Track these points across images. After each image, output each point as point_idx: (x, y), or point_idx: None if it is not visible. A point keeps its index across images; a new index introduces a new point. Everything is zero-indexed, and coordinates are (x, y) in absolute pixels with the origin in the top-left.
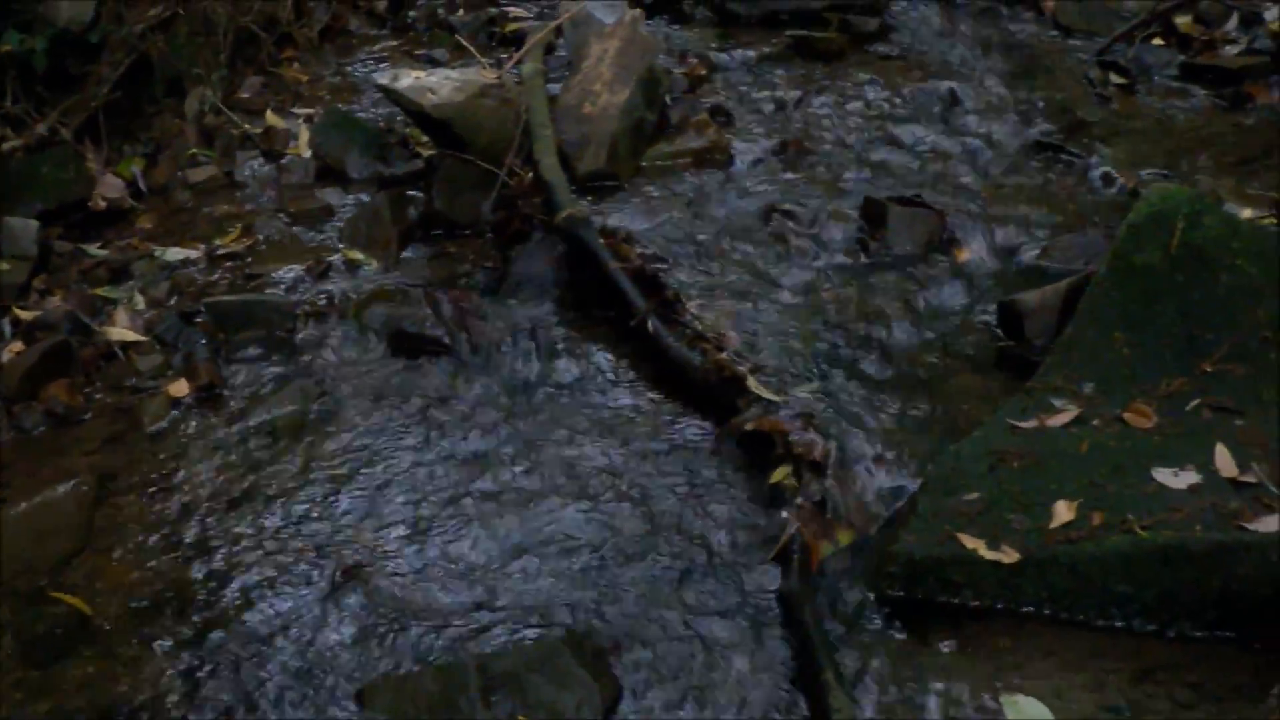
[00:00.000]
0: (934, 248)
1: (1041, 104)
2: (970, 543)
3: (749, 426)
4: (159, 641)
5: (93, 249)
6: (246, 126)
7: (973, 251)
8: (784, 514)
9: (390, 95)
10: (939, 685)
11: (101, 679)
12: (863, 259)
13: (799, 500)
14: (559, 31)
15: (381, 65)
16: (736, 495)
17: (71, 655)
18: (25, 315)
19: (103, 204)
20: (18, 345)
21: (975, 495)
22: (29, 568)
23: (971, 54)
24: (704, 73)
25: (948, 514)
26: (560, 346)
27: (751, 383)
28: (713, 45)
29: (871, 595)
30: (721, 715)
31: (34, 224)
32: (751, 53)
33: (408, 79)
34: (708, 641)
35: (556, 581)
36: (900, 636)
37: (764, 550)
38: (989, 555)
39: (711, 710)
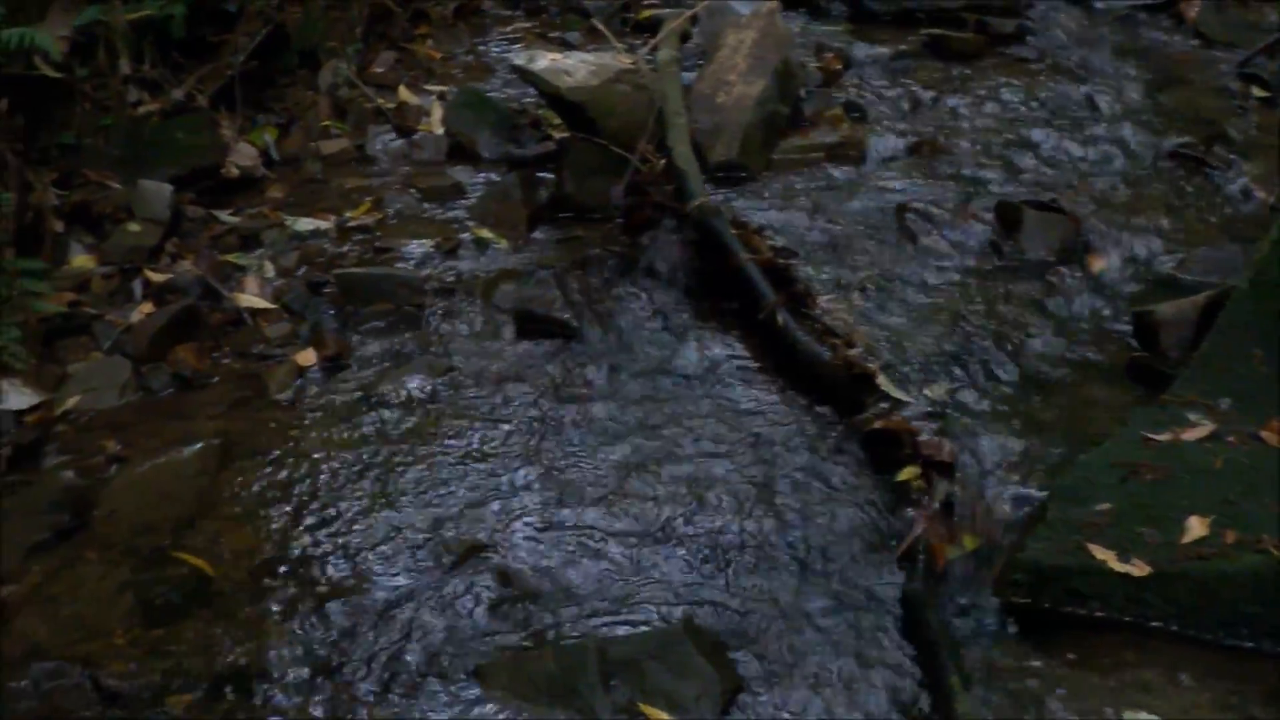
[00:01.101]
0: (1068, 254)
1: (1180, 114)
2: (1099, 554)
3: (877, 425)
4: (277, 608)
5: (224, 215)
6: (379, 101)
7: (1107, 259)
8: (910, 515)
9: (525, 76)
10: (1060, 696)
11: (219, 641)
12: (995, 262)
13: (925, 502)
14: (694, 20)
15: (514, 46)
16: (861, 493)
17: (190, 616)
18: (156, 278)
19: (235, 172)
20: (148, 307)
21: (1106, 506)
22: (151, 528)
23: (1110, 60)
24: (839, 67)
25: (1077, 523)
26: (687, 335)
27: (881, 381)
28: (848, 40)
29: (995, 601)
30: (840, 714)
31: (167, 188)
32: (887, 50)
33: (543, 61)
34: (829, 638)
35: (678, 570)
36: (1023, 644)
37: (888, 550)
38: (1118, 567)
39: (830, 708)
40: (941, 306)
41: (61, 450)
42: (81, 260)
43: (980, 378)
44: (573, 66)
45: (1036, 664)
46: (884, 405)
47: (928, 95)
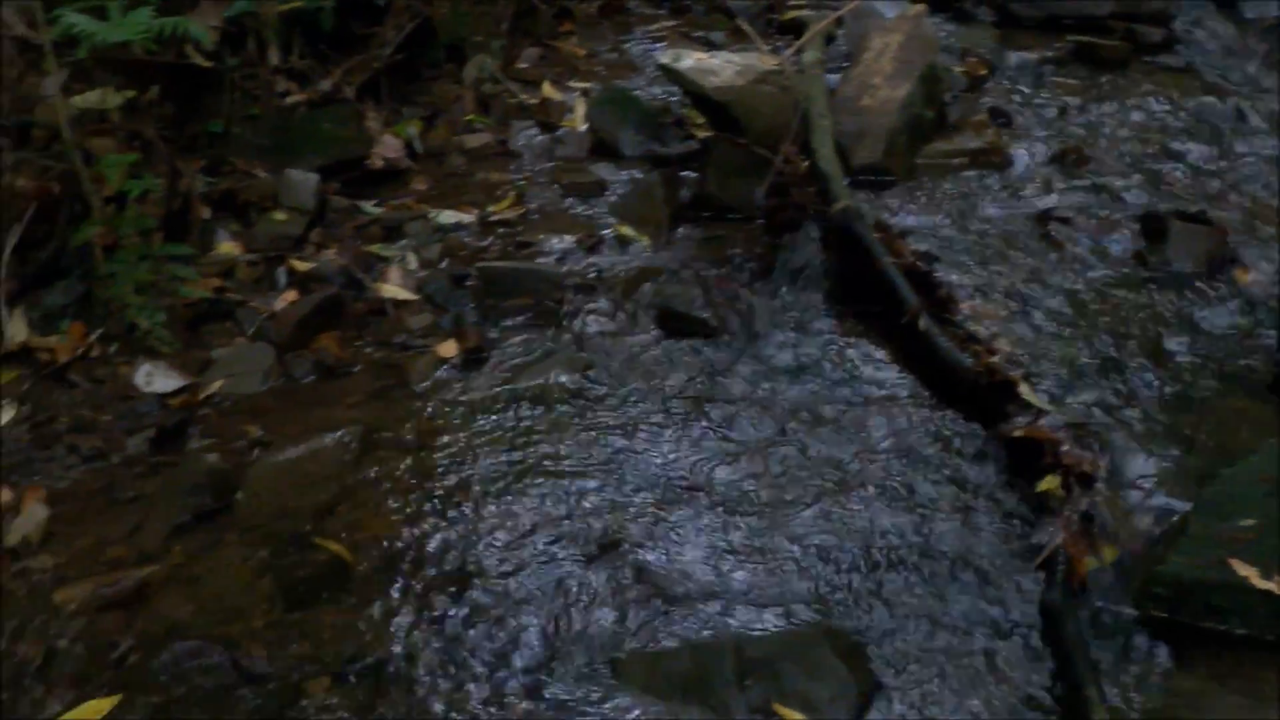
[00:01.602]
0: (1215, 266)
1: None
2: (1242, 569)
3: (1018, 433)
4: (414, 596)
5: (368, 206)
6: (523, 96)
7: (1256, 273)
8: (1049, 524)
9: (671, 75)
10: (1196, 712)
11: (355, 628)
12: (1140, 272)
13: (1066, 512)
14: (840, 22)
15: (658, 44)
16: (1000, 501)
17: (328, 602)
18: (300, 266)
19: (380, 163)
20: (291, 294)
21: (1250, 521)
22: (291, 513)
23: (1260, 71)
24: (984, 73)
25: (1219, 538)
26: (827, 338)
27: (1023, 389)
28: (993, 45)
29: (1134, 614)
30: None
31: (314, 178)
32: (1032, 55)
33: (689, 60)
34: (965, 645)
35: (814, 571)
36: (1160, 658)
37: (1026, 559)
38: (1260, 584)
39: (965, 715)
40: (1085, 316)
41: (205, 434)
42: (227, 247)
43: (1123, 388)
44: (718, 66)
45: (1174, 678)
46: (1025, 414)
47: (1073, 102)
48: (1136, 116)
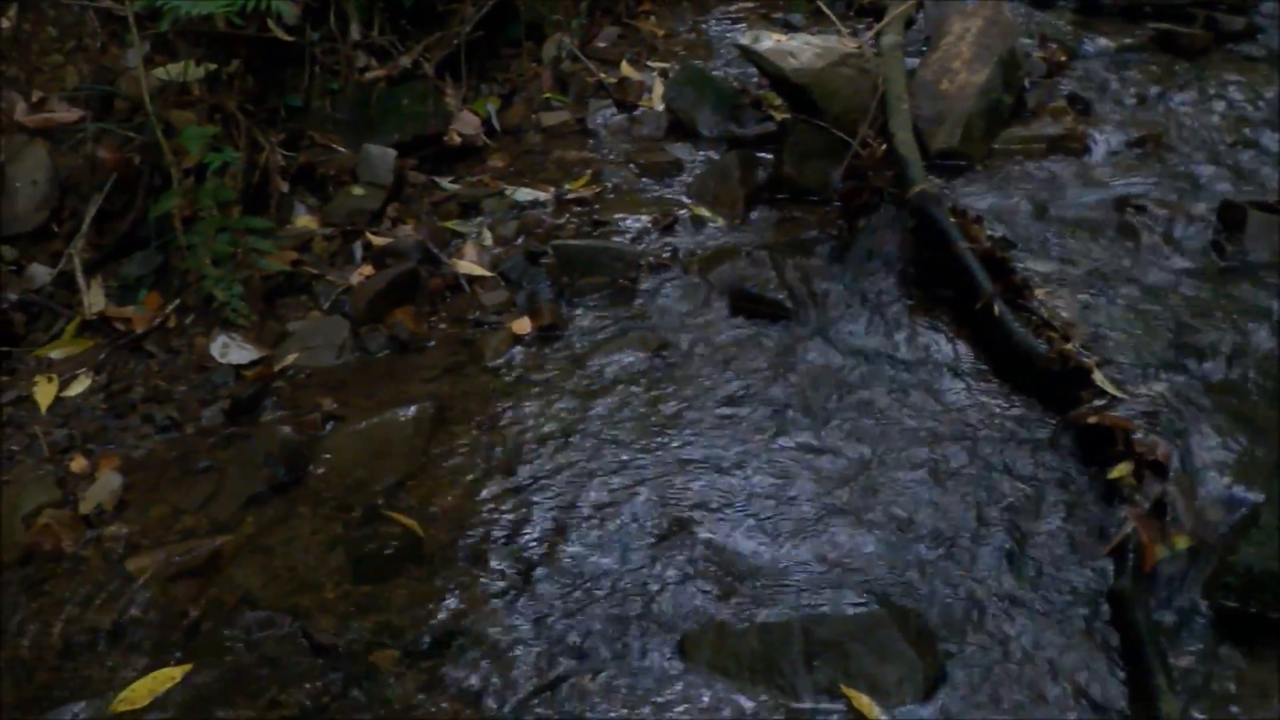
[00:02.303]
0: None
1: None
2: None
3: (1091, 420)
4: (485, 571)
5: (445, 182)
6: (601, 75)
7: None
8: (1120, 512)
9: (749, 56)
10: (1266, 703)
11: (426, 601)
12: (1217, 262)
13: (1137, 500)
14: (920, 5)
15: (737, 25)
16: (1071, 488)
17: (400, 575)
18: (377, 241)
19: (457, 139)
20: (367, 269)
21: None
22: (364, 486)
23: None
24: (1063, 59)
25: None
26: (901, 321)
27: (1097, 376)
28: (1073, 31)
29: (1204, 604)
30: (1043, 707)
31: (391, 153)
32: (1112, 42)
33: (768, 42)
34: (1034, 631)
35: (884, 554)
36: (1231, 649)
37: (1096, 546)
38: None
39: (1033, 701)
40: (1160, 305)
41: (279, 406)
42: (305, 221)
43: (1198, 378)
44: (797, 48)
45: (1244, 669)
46: (1099, 401)
47: (1153, 90)
48: (1216, 105)
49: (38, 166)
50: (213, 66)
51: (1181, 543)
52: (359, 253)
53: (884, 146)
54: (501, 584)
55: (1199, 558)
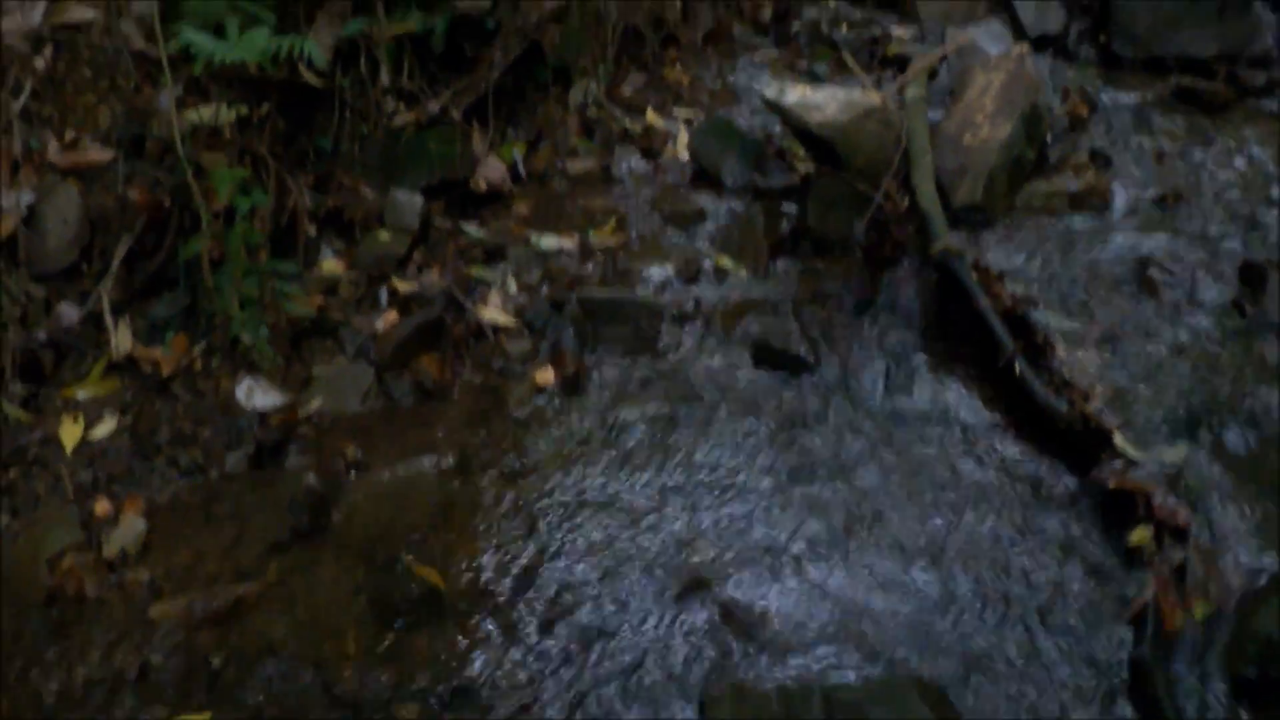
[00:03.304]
0: None
1: None
2: None
3: (1112, 483)
4: (505, 625)
5: (470, 228)
6: (627, 123)
7: None
8: (1141, 577)
9: (774, 108)
10: None
11: (446, 654)
12: (1238, 322)
13: (1158, 565)
14: (944, 58)
15: (762, 74)
16: (1091, 551)
17: (420, 626)
18: (403, 287)
19: (483, 185)
20: (392, 315)
21: None
22: (387, 535)
23: None
24: (1085, 113)
25: None
26: (922, 377)
27: (1118, 438)
28: (1095, 85)
29: (1224, 671)
30: None
31: (419, 199)
32: (1134, 97)
33: (793, 94)
34: (1054, 697)
35: (904, 616)
36: (1251, 716)
37: (1116, 611)
38: None
39: None
40: (1181, 365)
41: (303, 452)
42: (331, 265)
43: (1219, 441)
44: (822, 101)
45: None
46: (1119, 463)
47: (1174, 146)
48: (1238, 161)
49: (69, 206)
50: (244, 110)
51: (1201, 609)
52: (385, 298)
53: (907, 200)
54: (521, 637)
55: (1219, 624)
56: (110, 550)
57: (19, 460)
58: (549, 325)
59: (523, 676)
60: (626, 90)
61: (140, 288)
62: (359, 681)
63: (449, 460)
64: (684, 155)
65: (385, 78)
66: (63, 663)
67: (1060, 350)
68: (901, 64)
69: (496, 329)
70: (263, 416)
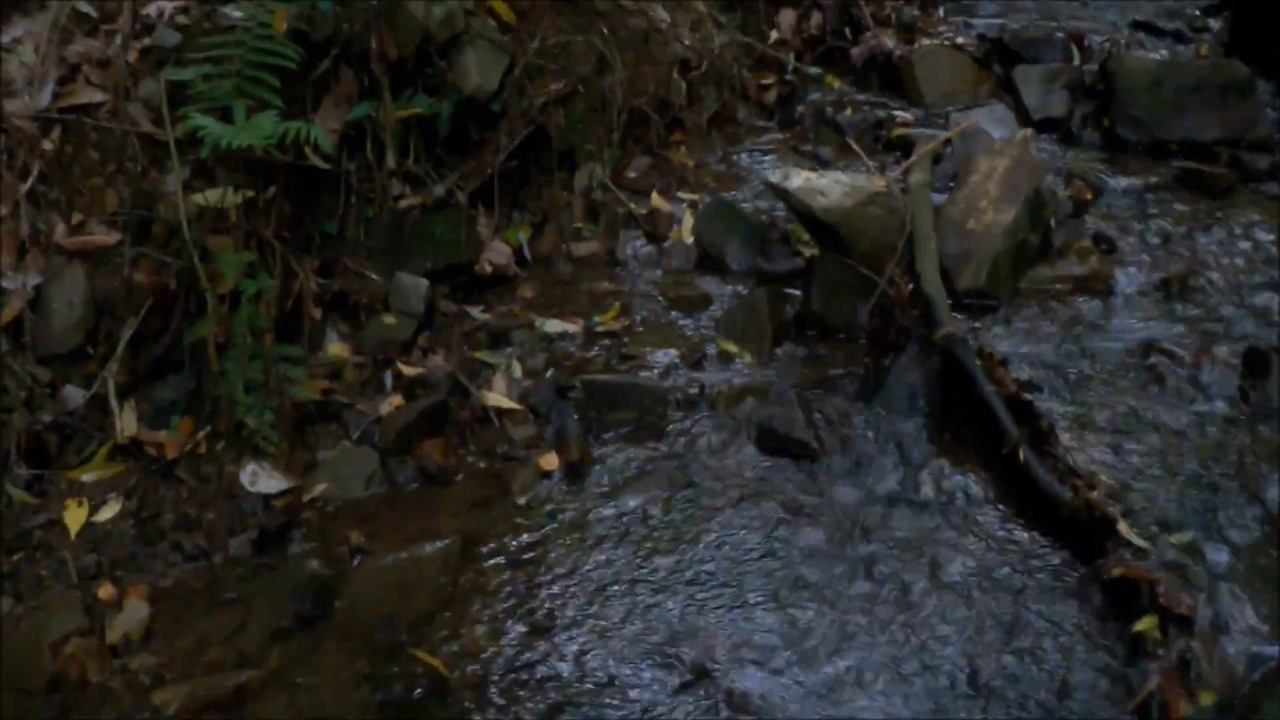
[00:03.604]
0: None
1: None
2: None
3: (1116, 572)
4: (509, 715)
5: (475, 312)
6: (632, 206)
7: None
8: (1146, 667)
9: (779, 193)
10: None
11: None
12: (1244, 409)
13: (1162, 654)
14: (948, 142)
15: (767, 157)
16: (1095, 639)
17: (424, 715)
18: (408, 371)
19: (489, 268)
20: (397, 399)
21: None
22: (390, 622)
23: None
24: (1089, 197)
25: None
26: (926, 464)
27: (1122, 527)
28: (1099, 169)
29: None
30: None
31: (424, 283)
32: (1138, 181)
33: (798, 179)
34: None
35: (910, 707)
36: None
37: (1121, 702)
38: None
39: None
40: (1185, 452)
41: (307, 537)
42: (336, 348)
43: (1223, 529)
44: (826, 186)
45: None
46: (1124, 551)
47: (1178, 230)
48: (1242, 246)
49: (75, 288)
50: (250, 193)
51: (1207, 698)
52: (389, 382)
53: (911, 285)
54: None
55: (1223, 714)
56: (113, 635)
57: (23, 544)
58: (553, 410)
59: None
60: (631, 173)
61: (145, 371)
62: None
63: (453, 547)
64: (688, 239)
65: (391, 161)
66: None
67: (1064, 437)
68: (906, 147)
69: (501, 413)
70: (267, 501)
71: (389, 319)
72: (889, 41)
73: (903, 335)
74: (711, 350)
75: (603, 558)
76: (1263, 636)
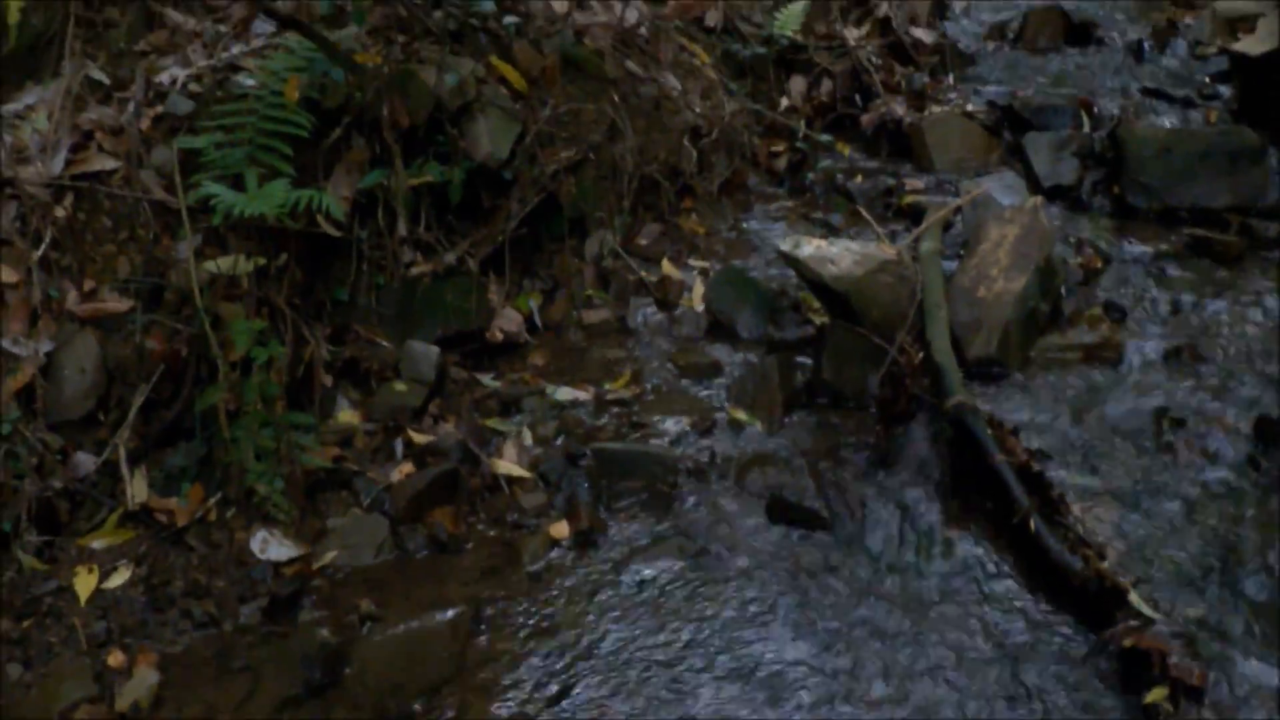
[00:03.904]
0: None
1: None
2: None
3: (1127, 642)
4: None
5: (486, 379)
6: (642, 273)
7: None
8: None
9: (789, 261)
10: None
11: None
12: (1254, 478)
13: None
14: (958, 210)
15: (777, 224)
16: (1107, 710)
17: None
18: (419, 438)
19: (499, 336)
20: (408, 467)
21: None
22: (400, 691)
23: None
24: (1099, 265)
25: None
26: (937, 533)
27: (1133, 596)
28: (1109, 237)
29: None
30: None
31: (435, 350)
32: (1148, 248)
33: (809, 247)
34: None
35: None
36: None
37: None
38: None
39: None
40: (1196, 521)
41: (317, 605)
42: (347, 415)
43: (1234, 599)
44: (837, 255)
45: None
46: (1134, 621)
47: (1188, 298)
48: (1251, 313)
49: (87, 355)
50: (262, 260)
51: None
52: (400, 450)
53: (921, 353)
54: None
55: None
56: (123, 703)
57: (33, 610)
58: (564, 478)
59: None
60: (642, 240)
61: (156, 437)
62: None
63: (463, 615)
64: (699, 306)
65: (403, 228)
66: None
67: (1075, 506)
68: (916, 215)
69: (511, 481)
70: (277, 568)
71: (400, 386)
72: (899, 108)
73: (913, 404)
74: (722, 418)
75: (613, 628)
76: (1274, 708)
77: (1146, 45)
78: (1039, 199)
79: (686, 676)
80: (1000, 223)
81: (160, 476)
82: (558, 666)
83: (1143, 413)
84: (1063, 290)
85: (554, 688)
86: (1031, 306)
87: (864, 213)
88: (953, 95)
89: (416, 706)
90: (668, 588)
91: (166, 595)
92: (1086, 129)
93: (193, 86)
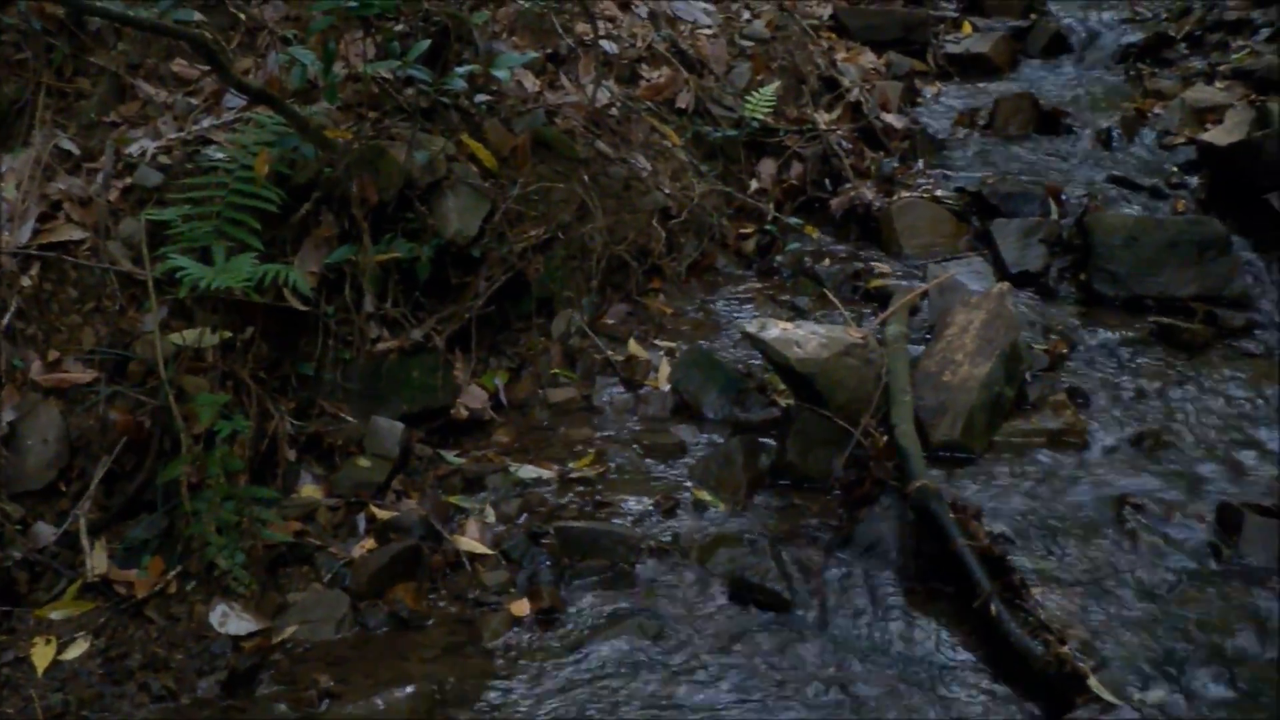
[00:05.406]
0: None
1: None
2: None
3: None
4: None
5: (450, 456)
6: (609, 353)
7: None
8: None
9: (755, 344)
10: None
11: None
12: (1214, 565)
13: None
14: (924, 295)
15: (745, 306)
16: None
17: None
18: (381, 514)
19: (465, 413)
20: (369, 543)
21: None
22: None
23: None
24: (1064, 351)
25: None
26: (899, 615)
27: (1093, 682)
28: (1075, 324)
29: None
30: None
31: (399, 426)
32: (1114, 335)
33: (775, 330)
34: None
35: None
36: None
37: None
38: None
39: None
40: (1157, 608)
41: (276, 680)
42: (310, 490)
43: (1194, 686)
44: (803, 337)
45: None
46: (1095, 706)
47: (1153, 385)
48: (1215, 402)
49: (50, 425)
50: (228, 334)
51: None
52: (362, 525)
53: (886, 437)
54: None
55: None
56: None
57: None
58: (526, 556)
59: None
60: (609, 320)
61: (118, 509)
62: None
63: (423, 693)
64: (665, 386)
65: (369, 304)
66: None
67: (1036, 591)
68: (883, 299)
69: (473, 559)
70: (236, 642)
71: (364, 462)
72: (868, 193)
73: (877, 487)
74: (686, 499)
75: (572, 708)
76: None
77: (1115, 134)
78: (1005, 285)
79: None
80: (967, 308)
81: (121, 549)
82: None
83: (1105, 498)
84: (1028, 376)
85: None
86: (996, 392)
87: (831, 295)
88: (922, 181)
89: None
90: (627, 669)
91: (125, 668)
92: (1055, 216)
93: (162, 159)
